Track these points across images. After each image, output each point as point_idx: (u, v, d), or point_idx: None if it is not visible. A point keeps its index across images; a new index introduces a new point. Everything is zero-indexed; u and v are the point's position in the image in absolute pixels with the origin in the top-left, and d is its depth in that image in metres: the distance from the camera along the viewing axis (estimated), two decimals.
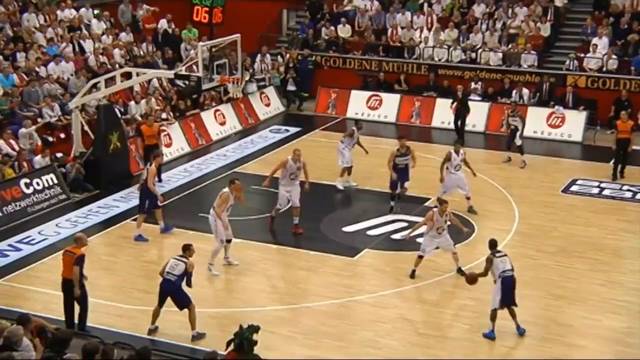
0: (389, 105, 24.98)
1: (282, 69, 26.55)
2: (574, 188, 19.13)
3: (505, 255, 12.61)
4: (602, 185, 19.18)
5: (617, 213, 17.54)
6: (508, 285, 12.28)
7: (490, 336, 12.40)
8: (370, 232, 16.34)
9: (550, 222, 17.11)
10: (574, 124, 23.03)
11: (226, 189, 14.90)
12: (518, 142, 20.41)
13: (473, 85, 24.81)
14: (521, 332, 12.46)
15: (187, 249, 12.40)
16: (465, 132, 22.64)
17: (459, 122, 22.64)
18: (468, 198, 17.18)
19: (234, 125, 23.80)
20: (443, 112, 23.88)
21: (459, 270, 14.23)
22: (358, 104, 25.37)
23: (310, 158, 20.25)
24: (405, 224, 16.64)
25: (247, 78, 23.26)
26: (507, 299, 12.30)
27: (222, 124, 23.42)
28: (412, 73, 26.13)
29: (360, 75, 26.52)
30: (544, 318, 13.17)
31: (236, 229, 16.45)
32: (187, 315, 12.20)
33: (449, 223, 14.40)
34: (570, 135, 22.93)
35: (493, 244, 12.69)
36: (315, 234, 16.02)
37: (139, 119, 21.17)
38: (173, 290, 12.12)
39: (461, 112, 22.54)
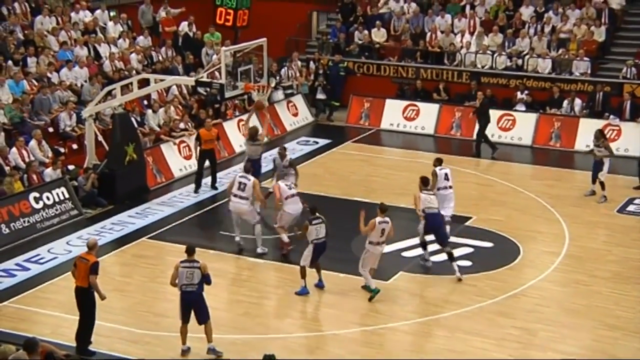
0: (427, 116, 24.95)
1: (311, 76, 26.64)
2: (631, 208, 18.92)
3: (322, 222, 14.56)
4: None
5: None
6: (320, 250, 14.63)
7: (304, 292, 14.54)
8: (406, 254, 16.27)
9: (605, 244, 16.92)
10: (631, 137, 22.80)
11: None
12: (602, 177, 19.26)
13: (519, 95, 24.70)
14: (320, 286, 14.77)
15: (192, 252, 12.51)
16: (489, 141, 22.65)
17: (479, 132, 22.70)
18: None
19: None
20: None
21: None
22: (393, 114, 25.37)
23: (341, 172, 20.35)
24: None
25: (273, 85, 23.35)
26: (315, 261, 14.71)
27: (246, 134, 23.46)
28: (453, 81, 26.09)
29: (396, 83, 26.53)
30: (597, 350, 12.98)
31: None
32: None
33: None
34: (627, 150, 22.69)
35: (313, 210, 14.71)
36: (345, 254, 15.98)
37: (157, 129, 21.37)
38: (197, 300, 12.34)
39: (481, 122, 22.49)
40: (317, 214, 14.66)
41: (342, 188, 19.77)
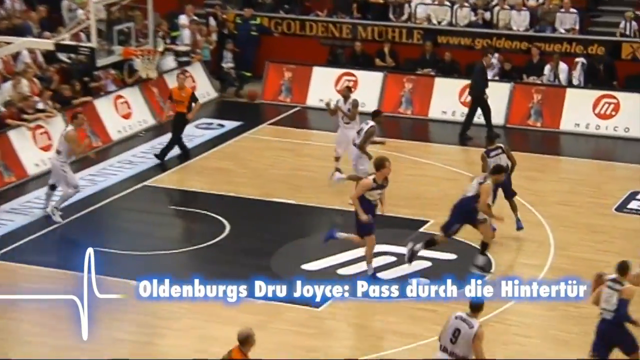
0: (368, 88, 25.04)
1: (213, 37, 26.53)
2: (633, 204, 19.30)
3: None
4: None
5: None
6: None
7: None
8: (342, 271, 16.32)
9: (601, 253, 17.18)
10: (632, 113, 23.24)
11: None
12: None
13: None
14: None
15: (625, 270, 12.47)
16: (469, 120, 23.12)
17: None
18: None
19: (144, 118, 23.81)
20: (445, 98, 24.02)
21: None
22: (323, 86, 25.40)
23: (256, 165, 20.29)
24: (393, 259, 16.62)
25: (160, 49, 23.21)
26: None
27: (127, 116, 23.36)
28: (401, 42, 26.29)
29: (327, 45, 26.63)
30: None
31: (149, 266, 16.41)
32: None
33: None
34: (628, 130, 23.16)
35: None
36: (264, 272, 15.95)
37: (2, 109, 20.96)
38: (614, 330, 12.59)
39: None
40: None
41: (258, 186, 19.74)
